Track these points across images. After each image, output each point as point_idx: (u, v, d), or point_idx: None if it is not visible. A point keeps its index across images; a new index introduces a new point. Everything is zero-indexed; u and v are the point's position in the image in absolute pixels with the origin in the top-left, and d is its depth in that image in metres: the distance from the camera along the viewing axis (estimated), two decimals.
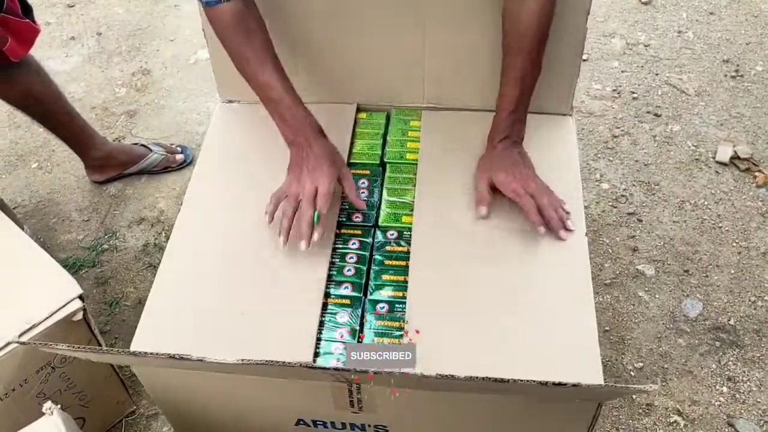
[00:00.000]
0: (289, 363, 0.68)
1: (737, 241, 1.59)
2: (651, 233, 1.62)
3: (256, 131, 1.15)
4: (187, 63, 2.15)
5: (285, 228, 0.96)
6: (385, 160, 1.12)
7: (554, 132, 1.14)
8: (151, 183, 1.81)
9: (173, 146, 1.86)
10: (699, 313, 1.47)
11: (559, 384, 0.64)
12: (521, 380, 0.65)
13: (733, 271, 1.54)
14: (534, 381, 0.65)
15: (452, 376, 0.67)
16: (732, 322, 1.46)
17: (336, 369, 0.71)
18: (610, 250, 1.60)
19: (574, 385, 0.64)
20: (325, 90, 1.17)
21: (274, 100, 0.98)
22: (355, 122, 1.18)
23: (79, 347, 0.73)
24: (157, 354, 0.71)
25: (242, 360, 0.69)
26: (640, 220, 1.65)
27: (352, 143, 1.15)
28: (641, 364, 1.41)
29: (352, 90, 1.18)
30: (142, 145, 1.82)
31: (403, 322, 0.93)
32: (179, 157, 1.83)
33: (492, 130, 1.03)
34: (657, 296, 1.51)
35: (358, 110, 1.19)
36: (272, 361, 0.69)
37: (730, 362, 1.40)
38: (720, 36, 2.13)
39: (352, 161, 1.13)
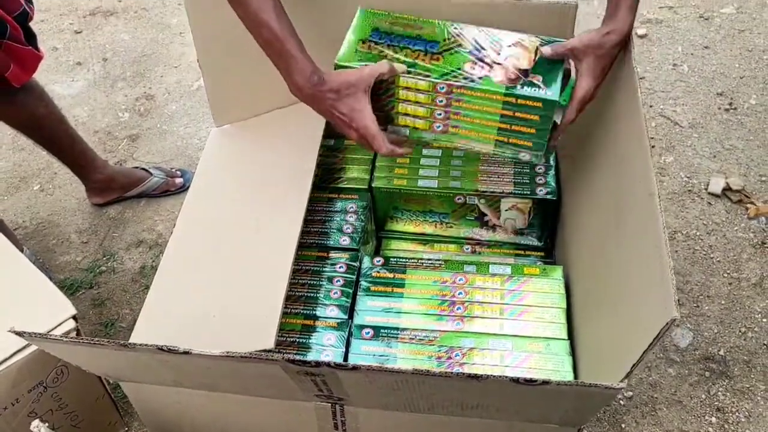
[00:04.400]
0: (270, 356, 0.70)
1: (728, 271, 1.60)
2: None
3: (249, 152, 1.18)
4: (189, 89, 2.19)
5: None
6: (373, 185, 1.14)
7: None
8: (151, 206, 1.83)
9: (173, 170, 1.89)
10: (689, 343, 1.48)
11: (530, 380, 0.66)
12: (494, 376, 0.67)
13: (723, 302, 1.54)
14: (506, 377, 0.66)
15: (428, 371, 0.68)
16: (722, 352, 1.46)
17: (317, 363, 0.71)
18: None
19: (544, 382, 0.66)
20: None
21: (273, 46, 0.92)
22: (346, 147, 1.21)
23: (69, 338, 0.76)
24: (145, 345, 0.72)
25: (226, 352, 0.70)
26: None
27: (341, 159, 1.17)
28: (631, 393, 1.41)
29: None
30: (143, 169, 1.85)
31: (388, 347, 0.95)
32: (179, 180, 1.86)
33: (610, 22, 0.90)
34: None
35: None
36: (254, 354, 0.70)
37: (719, 393, 1.40)
38: (714, 69, 2.16)
39: (341, 185, 1.15)
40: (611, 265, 0.90)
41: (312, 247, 1.08)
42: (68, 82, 2.24)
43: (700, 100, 2.06)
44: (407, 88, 0.93)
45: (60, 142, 1.65)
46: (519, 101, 0.90)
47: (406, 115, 0.97)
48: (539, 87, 0.90)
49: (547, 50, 0.91)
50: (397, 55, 0.94)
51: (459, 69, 0.92)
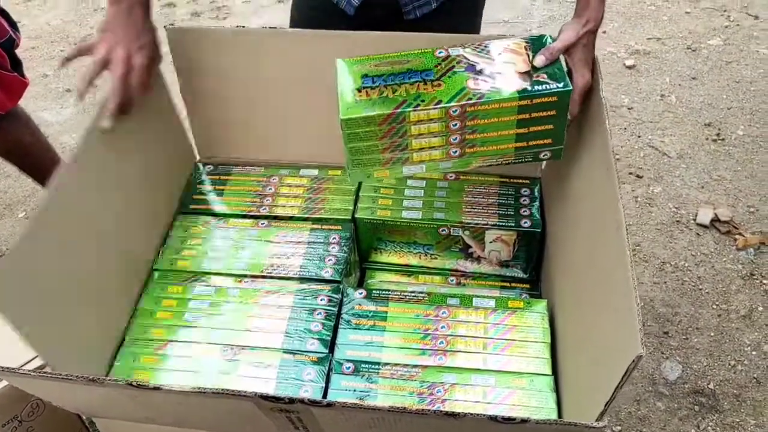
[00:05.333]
0: (243, 393, 0.68)
1: (717, 303, 1.59)
2: None
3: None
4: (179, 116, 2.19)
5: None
6: (356, 216, 1.13)
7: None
8: None
9: None
10: (678, 377, 1.46)
11: (508, 419, 0.64)
12: (472, 414, 0.65)
13: (712, 334, 1.53)
14: (484, 416, 0.65)
15: (404, 408, 0.67)
16: (711, 386, 1.44)
17: (290, 399, 0.69)
18: None
19: (522, 420, 0.64)
20: (305, 151, 1.20)
21: None
22: (330, 178, 1.20)
23: (38, 373, 0.74)
24: (115, 380, 0.71)
25: (197, 388, 0.69)
26: None
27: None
28: (620, 428, 1.39)
29: (332, 149, 1.20)
30: None
31: (369, 382, 0.93)
32: None
33: (585, 12, 0.92)
34: None
35: (332, 168, 1.21)
36: (225, 390, 0.69)
37: (709, 427, 1.38)
38: (702, 100, 2.17)
39: (323, 216, 1.14)
40: (586, 300, 0.89)
41: (293, 279, 1.06)
42: (57, 109, 2.23)
43: (688, 131, 2.07)
44: (419, 122, 0.90)
45: (45, 169, 1.63)
46: (535, 101, 0.89)
47: (422, 150, 0.94)
48: (548, 83, 0.90)
49: (540, 60, 0.90)
50: (398, 93, 0.92)
51: (464, 89, 0.91)
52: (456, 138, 0.93)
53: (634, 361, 0.64)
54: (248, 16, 2.62)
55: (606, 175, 0.85)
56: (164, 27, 1.09)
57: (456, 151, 0.94)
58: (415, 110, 0.89)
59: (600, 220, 0.86)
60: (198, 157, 1.26)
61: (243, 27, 1.09)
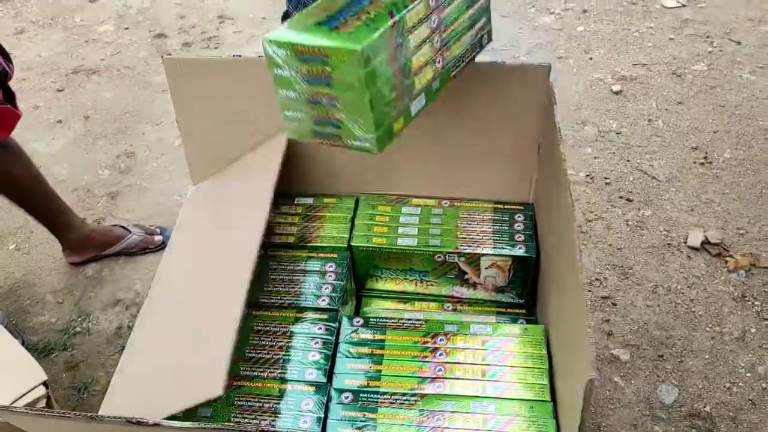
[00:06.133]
0: (244, 427, 0.68)
1: (711, 325, 1.60)
2: (625, 317, 1.63)
3: (226, 209, 1.17)
4: (171, 146, 2.20)
5: None
6: (351, 243, 1.13)
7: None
8: (129, 264, 1.81)
9: (152, 227, 1.87)
10: (674, 400, 1.46)
11: None
12: None
13: (707, 357, 1.53)
14: None
15: None
16: (708, 408, 1.44)
17: None
18: None
19: None
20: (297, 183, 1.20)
21: None
22: (325, 206, 1.21)
23: (34, 410, 0.73)
24: (113, 418, 0.70)
25: (198, 425, 0.68)
26: (615, 304, 1.66)
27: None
28: None
29: (326, 178, 1.21)
30: (121, 227, 1.83)
31: (369, 412, 0.92)
32: (158, 238, 1.84)
33: None
34: (632, 382, 1.50)
35: (328, 196, 1.22)
36: (226, 426, 0.69)
37: None
38: (688, 124, 2.20)
39: (319, 245, 1.14)
40: (567, 324, 0.90)
41: (290, 308, 1.06)
42: (49, 140, 2.23)
43: (675, 155, 2.09)
44: (413, 28, 0.83)
45: (37, 200, 1.63)
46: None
47: (420, 70, 0.86)
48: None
49: None
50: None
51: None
52: (437, 40, 0.87)
53: (587, 385, 0.65)
54: (239, 46, 2.64)
55: (565, 207, 0.87)
56: (161, 57, 1.10)
57: (439, 62, 0.88)
58: (408, 12, 0.81)
59: (565, 248, 0.89)
60: (192, 183, 1.26)
61: (239, 56, 1.10)
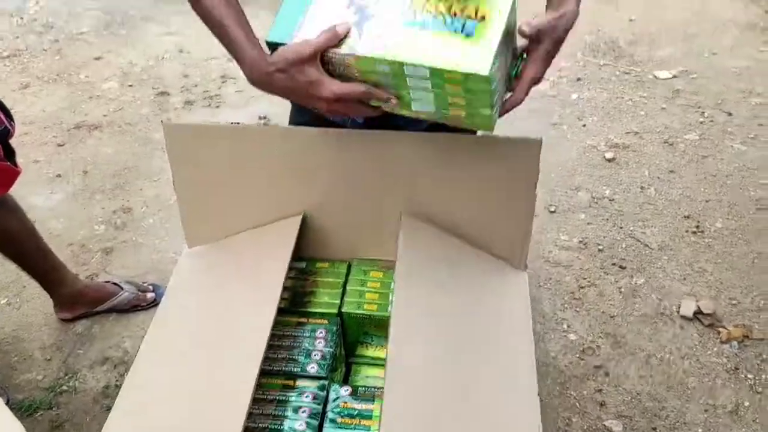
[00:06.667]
0: None
1: (704, 398, 1.58)
2: (618, 387, 1.61)
3: (219, 275, 1.17)
4: (168, 203, 2.21)
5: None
6: (342, 310, 1.13)
7: (508, 282, 1.16)
8: (120, 322, 1.80)
9: (145, 284, 1.87)
10: None
11: None
12: None
13: (700, 430, 1.52)
14: None
15: None
16: None
17: None
18: (577, 404, 1.58)
19: None
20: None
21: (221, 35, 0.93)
22: (317, 271, 1.21)
23: None
24: None
25: None
26: (607, 374, 1.65)
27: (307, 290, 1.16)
28: None
29: (319, 242, 1.22)
30: (114, 284, 1.83)
31: None
32: (150, 295, 1.83)
33: (562, 6, 0.91)
34: None
35: (320, 260, 1.22)
36: None
37: None
38: (680, 193, 2.23)
39: (310, 310, 1.14)
40: None
41: (278, 374, 1.05)
42: (47, 194, 2.25)
43: (668, 223, 2.11)
44: None
45: (30, 256, 1.63)
46: None
47: None
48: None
49: (525, 29, 0.88)
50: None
51: None
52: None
53: None
54: (241, 105, 2.69)
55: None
56: (161, 122, 1.12)
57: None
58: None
59: None
60: (186, 247, 1.27)
61: (238, 123, 1.13)
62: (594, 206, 2.18)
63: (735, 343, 1.70)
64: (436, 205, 1.15)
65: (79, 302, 1.77)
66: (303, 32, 0.87)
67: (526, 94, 0.92)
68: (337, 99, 0.88)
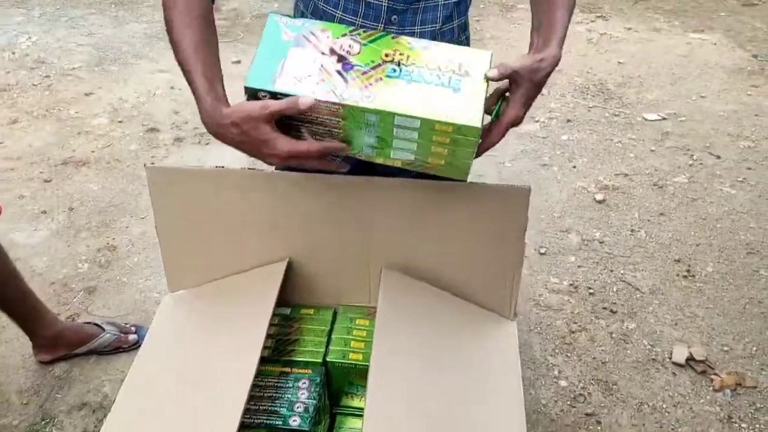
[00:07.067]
0: None
1: None
2: None
3: (201, 321, 1.14)
4: (153, 241, 2.18)
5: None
6: (327, 359, 1.10)
7: (496, 333, 1.14)
8: (100, 364, 1.75)
9: (128, 325, 1.83)
10: None
11: None
12: None
13: None
14: None
15: None
16: None
17: None
18: None
19: None
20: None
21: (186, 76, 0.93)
22: (301, 317, 1.18)
23: None
24: None
25: None
26: (599, 422, 1.61)
27: (293, 340, 1.13)
28: None
29: (304, 288, 1.19)
30: (95, 325, 1.79)
31: None
32: (132, 337, 1.79)
33: (542, 44, 0.92)
34: None
35: (305, 307, 1.19)
36: None
37: None
38: (671, 236, 2.22)
39: (294, 359, 1.11)
40: None
41: (260, 427, 1.02)
42: (30, 231, 2.21)
43: (658, 266, 2.10)
44: None
45: (10, 297, 1.59)
46: None
47: None
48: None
49: (494, 72, 0.87)
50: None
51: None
52: None
53: None
54: None
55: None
56: (144, 165, 1.10)
57: None
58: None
59: None
60: (168, 291, 1.24)
61: (222, 167, 1.11)
62: (584, 248, 2.17)
63: (728, 391, 1.67)
64: (422, 252, 1.13)
65: (58, 344, 1.72)
66: (283, 80, 0.86)
67: (503, 136, 0.91)
68: (290, 157, 0.88)
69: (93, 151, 2.66)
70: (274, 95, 0.85)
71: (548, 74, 0.91)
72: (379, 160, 0.92)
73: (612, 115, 2.96)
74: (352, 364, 1.10)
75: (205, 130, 0.93)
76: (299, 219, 1.12)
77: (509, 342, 1.13)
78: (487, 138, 0.91)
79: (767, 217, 2.30)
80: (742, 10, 4.15)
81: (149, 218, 2.28)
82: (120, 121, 2.87)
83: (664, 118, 2.93)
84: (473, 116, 0.82)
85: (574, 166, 2.60)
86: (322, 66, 0.86)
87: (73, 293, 1.99)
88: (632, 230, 2.25)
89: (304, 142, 0.89)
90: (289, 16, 0.93)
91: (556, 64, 0.92)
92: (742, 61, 3.47)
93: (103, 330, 1.77)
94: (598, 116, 2.95)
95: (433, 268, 1.13)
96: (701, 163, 2.61)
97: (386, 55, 0.87)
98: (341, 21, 1.05)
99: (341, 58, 0.87)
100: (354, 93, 0.84)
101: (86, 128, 2.82)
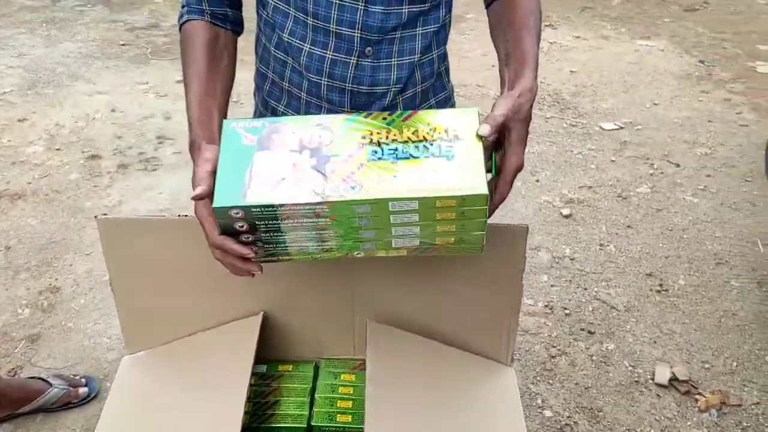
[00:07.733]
0: None
1: None
2: None
3: (167, 383, 1.02)
4: (101, 280, 2.02)
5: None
6: (312, 423, 0.99)
7: (494, 382, 1.06)
8: (48, 423, 1.60)
9: (77, 377, 1.67)
10: None
11: None
12: None
13: None
14: None
15: None
16: None
17: None
18: None
19: None
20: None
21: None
22: (281, 375, 1.07)
23: None
24: None
25: None
26: None
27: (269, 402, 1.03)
28: None
29: (281, 342, 1.08)
30: (40, 378, 1.63)
31: None
32: (82, 390, 1.64)
33: (514, 77, 0.86)
34: None
35: (283, 362, 1.08)
36: None
37: None
38: (640, 249, 2.19)
39: (274, 425, 1.00)
40: None
41: None
42: None
43: (631, 282, 2.06)
44: None
45: None
46: None
47: None
48: None
49: (485, 129, 0.78)
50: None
51: None
52: None
53: None
54: (180, 167, 2.53)
55: None
56: (95, 218, 0.98)
57: None
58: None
59: None
60: (126, 352, 1.11)
61: (186, 216, 0.99)
62: (555, 266, 2.12)
63: (714, 411, 1.63)
64: (410, 300, 1.04)
65: (0, 404, 1.56)
66: (253, 190, 0.73)
67: (511, 187, 0.83)
68: (216, 248, 0.81)
69: (29, 183, 2.48)
70: (248, 209, 0.74)
71: (531, 107, 0.85)
72: (381, 254, 0.81)
73: (570, 125, 2.94)
74: (340, 427, 0.99)
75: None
76: (273, 269, 1.01)
77: (509, 391, 1.05)
78: (495, 196, 0.82)
79: (731, 225, 2.30)
80: (685, 15, 4.22)
81: (95, 254, 2.12)
82: (57, 149, 2.68)
83: (621, 127, 2.92)
84: (477, 183, 0.72)
85: (537, 180, 2.56)
86: (294, 165, 0.75)
87: (13, 343, 1.82)
88: (601, 245, 2.21)
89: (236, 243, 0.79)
90: (244, 119, 0.81)
91: (535, 94, 0.86)
92: (690, 66, 3.51)
93: (50, 384, 1.62)
94: (556, 127, 2.92)
95: (422, 317, 1.04)
96: (662, 172, 2.61)
97: (362, 138, 0.76)
98: (309, 54, 0.95)
99: (314, 152, 0.76)
100: (337, 186, 0.73)
101: (21, 158, 2.62)
